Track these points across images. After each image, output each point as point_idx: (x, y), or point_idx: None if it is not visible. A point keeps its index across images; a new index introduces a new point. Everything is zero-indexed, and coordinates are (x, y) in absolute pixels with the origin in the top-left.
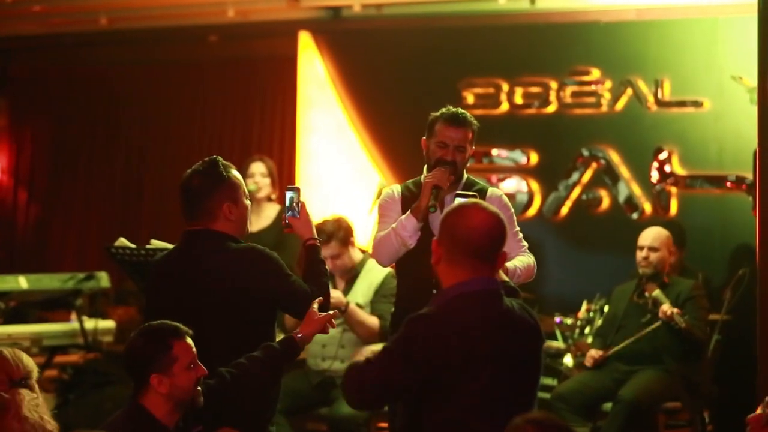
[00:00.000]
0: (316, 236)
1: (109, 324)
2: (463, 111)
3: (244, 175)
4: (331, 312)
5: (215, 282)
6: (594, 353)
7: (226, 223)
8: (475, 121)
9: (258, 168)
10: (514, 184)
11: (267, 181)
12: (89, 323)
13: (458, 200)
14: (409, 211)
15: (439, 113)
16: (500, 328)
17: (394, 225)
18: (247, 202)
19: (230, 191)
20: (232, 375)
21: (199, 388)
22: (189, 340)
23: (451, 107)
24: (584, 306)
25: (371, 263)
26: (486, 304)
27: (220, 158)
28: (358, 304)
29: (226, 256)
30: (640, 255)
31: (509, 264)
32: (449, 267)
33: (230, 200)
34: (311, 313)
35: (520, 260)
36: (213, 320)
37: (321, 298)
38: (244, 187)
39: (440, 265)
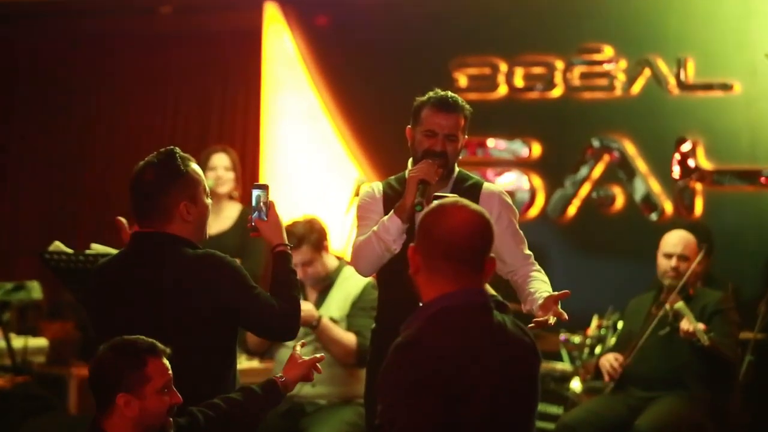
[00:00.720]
0: (286, 241)
1: (41, 342)
2: (454, 95)
3: (204, 168)
4: (318, 356)
5: (168, 294)
6: (613, 359)
7: (183, 224)
8: (467, 107)
9: (221, 160)
10: (513, 180)
11: (231, 175)
12: (18, 341)
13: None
14: (392, 210)
15: (425, 97)
16: (489, 348)
17: (375, 228)
18: (208, 201)
19: (189, 188)
20: (207, 417)
21: (171, 418)
22: (166, 362)
23: (440, 90)
24: (594, 321)
25: (348, 271)
26: (472, 320)
27: (177, 149)
28: (332, 319)
29: (182, 263)
30: (666, 264)
31: (542, 288)
32: (429, 276)
33: (188, 198)
34: (294, 356)
35: (542, 280)
36: (165, 339)
37: (304, 341)
38: (205, 184)
39: (419, 275)
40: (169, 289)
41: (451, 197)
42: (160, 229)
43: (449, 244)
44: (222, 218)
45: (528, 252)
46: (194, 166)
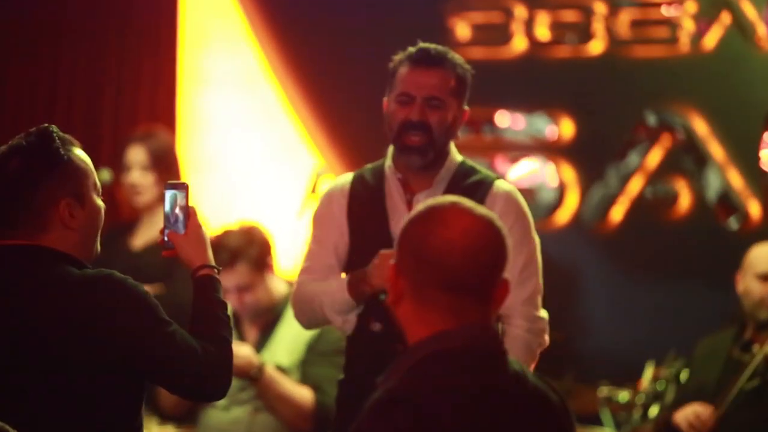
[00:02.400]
0: (212, 261)
1: None
2: (441, 47)
3: (120, 166)
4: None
5: (44, 333)
6: (701, 412)
7: (64, 233)
8: (464, 64)
9: (136, 157)
10: (533, 171)
11: (150, 179)
12: None
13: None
14: (347, 278)
15: (404, 53)
16: (502, 409)
17: (321, 288)
18: (100, 202)
19: (72, 181)
20: None
21: None
22: None
23: (425, 44)
24: (649, 371)
25: None
26: (479, 370)
27: (55, 128)
28: (279, 368)
29: (62, 289)
30: (759, 290)
31: None
32: (417, 308)
33: (71, 196)
34: None
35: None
36: (38, 395)
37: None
38: (95, 177)
39: (401, 306)
40: (41, 326)
41: (449, 199)
42: (30, 240)
43: (446, 268)
44: (144, 228)
45: (535, 305)
46: (79, 152)
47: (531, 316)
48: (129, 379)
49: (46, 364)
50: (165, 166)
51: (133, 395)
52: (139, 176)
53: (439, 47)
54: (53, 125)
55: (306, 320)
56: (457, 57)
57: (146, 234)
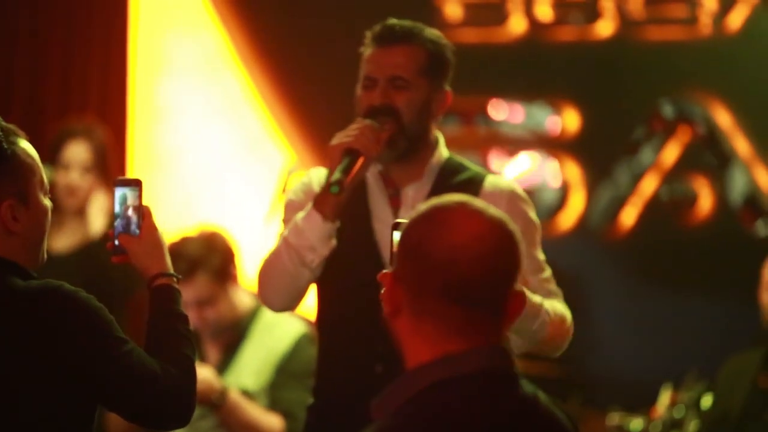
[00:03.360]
0: (170, 269)
1: None
2: (411, 23)
3: (54, 162)
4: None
5: None
6: None
7: (7, 239)
8: (440, 39)
9: (77, 155)
10: (533, 169)
11: (90, 180)
12: None
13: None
14: (310, 203)
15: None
16: None
17: (285, 231)
18: (47, 202)
19: (16, 180)
20: None
21: None
22: None
23: (392, 21)
24: (666, 395)
25: (268, 316)
26: (491, 401)
27: None
28: (245, 392)
29: (5, 302)
30: None
31: (534, 299)
32: (418, 324)
33: (15, 196)
34: None
35: (550, 303)
36: None
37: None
38: (42, 173)
39: (400, 320)
40: None
41: (456, 198)
42: None
43: (453, 276)
44: (75, 227)
45: (549, 279)
46: (25, 145)
47: (551, 292)
48: (79, 404)
49: None
50: (104, 167)
51: (82, 422)
52: (78, 177)
53: (408, 22)
54: None
55: (273, 288)
56: (430, 31)
57: (72, 236)
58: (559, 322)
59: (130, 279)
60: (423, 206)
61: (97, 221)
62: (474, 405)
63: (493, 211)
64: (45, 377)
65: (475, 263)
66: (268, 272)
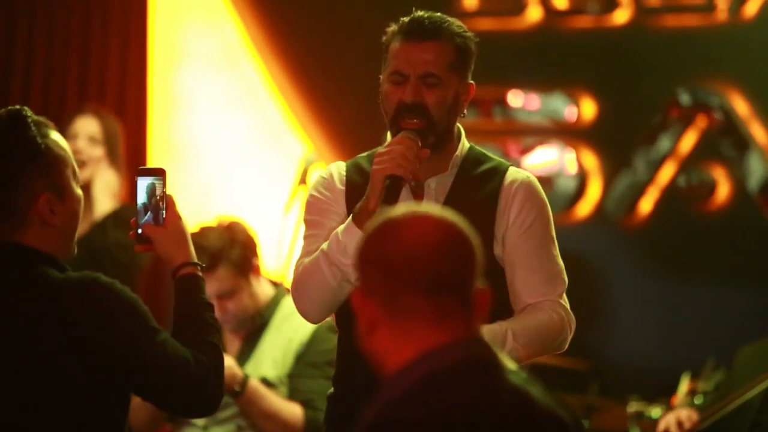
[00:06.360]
0: (194, 258)
1: None
2: (437, 15)
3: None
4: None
5: (22, 341)
6: (686, 417)
7: (43, 231)
8: (465, 31)
9: (85, 126)
10: (550, 159)
11: (97, 152)
12: None
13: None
14: (349, 217)
15: (396, 24)
16: (504, 428)
17: (325, 245)
18: (79, 192)
19: (51, 172)
20: None
21: None
22: None
23: (422, 13)
24: (685, 384)
25: (288, 305)
26: (476, 387)
27: (28, 110)
28: (264, 381)
29: (43, 294)
30: None
31: (492, 327)
32: (394, 328)
33: (51, 189)
34: None
35: (523, 322)
36: (10, 408)
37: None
38: (74, 163)
39: (378, 334)
40: (19, 334)
41: (402, 208)
42: (5, 237)
43: (420, 264)
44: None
45: (559, 288)
46: (56, 137)
47: (558, 294)
48: (114, 394)
49: (23, 374)
50: (112, 144)
51: (118, 411)
52: (86, 145)
53: (435, 15)
54: (25, 107)
55: (312, 300)
56: (456, 24)
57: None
58: (534, 332)
59: (133, 260)
60: (371, 223)
61: (101, 201)
62: (466, 392)
63: (440, 212)
64: (81, 368)
65: (433, 251)
66: (307, 285)
